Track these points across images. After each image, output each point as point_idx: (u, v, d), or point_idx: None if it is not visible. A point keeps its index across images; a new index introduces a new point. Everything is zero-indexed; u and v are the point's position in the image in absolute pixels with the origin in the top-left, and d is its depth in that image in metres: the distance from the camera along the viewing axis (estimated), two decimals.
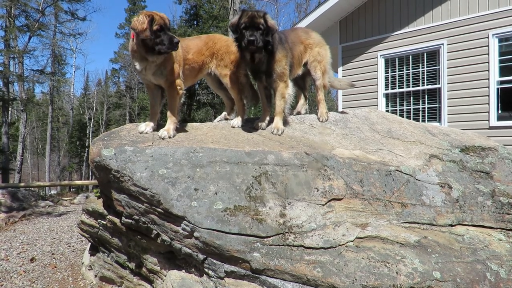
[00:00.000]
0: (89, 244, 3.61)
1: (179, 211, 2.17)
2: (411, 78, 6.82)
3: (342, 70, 7.68)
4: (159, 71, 2.75)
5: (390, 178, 2.61)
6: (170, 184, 2.29)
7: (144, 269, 2.76)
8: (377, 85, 7.19)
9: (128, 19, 32.14)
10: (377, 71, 7.18)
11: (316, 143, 2.91)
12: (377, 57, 7.18)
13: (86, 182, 14.59)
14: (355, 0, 7.25)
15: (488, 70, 5.89)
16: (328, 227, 2.19)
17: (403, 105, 6.97)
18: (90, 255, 3.48)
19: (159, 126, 2.94)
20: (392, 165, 2.72)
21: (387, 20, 7.05)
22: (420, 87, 6.70)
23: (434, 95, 6.57)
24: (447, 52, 6.32)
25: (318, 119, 3.38)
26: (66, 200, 9.46)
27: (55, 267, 3.83)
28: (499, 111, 5.91)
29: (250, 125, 3.16)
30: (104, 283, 3.18)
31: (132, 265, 2.89)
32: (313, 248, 2.05)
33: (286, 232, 2.12)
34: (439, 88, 6.44)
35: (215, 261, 2.12)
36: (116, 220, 2.73)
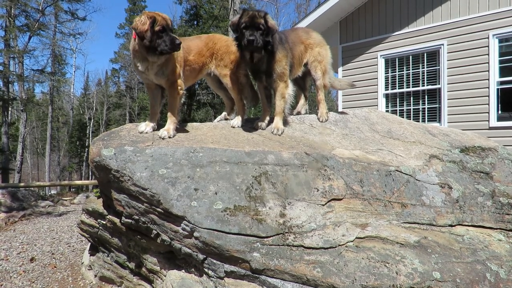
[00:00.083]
0: (89, 244, 3.61)
1: (179, 211, 2.17)
2: (411, 78, 6.82)
3: (342, 70, 7.68)
4: (161, 71, 2.75)
5: (390, 178, 2.61)
6: (170, 184, 2.29)
7: (144, 269, 2.76)
8: (377, 85, 7.19)
9: (128, 19, 32.16)
10: (377, 71, 7.18)
11: (316, 143, 2.91)
12: (377, 57, 7.18)
13: (86, 182, 14.60)
14: (355, 0, 7.25)
15: (488, 71, 5.89)
16: (328, 227, 2.19)
17: (403, 105, 6.97)
18: (90, 255, 3.48)
19: (159, 126, 2.94)
20: (392, 165, 2.72)
21: (387, 20, 7.05)
22: (420, 88, 6.70)
23: (434, 95, 6.57)
24: (447, 53, 6.32)
25: (318, 119, 3.38)
26: (66, 200, 9.46)
27: (55, 267, 3.83)
28: (499, 112, 5.91)
29: (250, 125, 3.16)
30: (104, 283, 3.18)
31: (132, 265, 2.89)
32: (313, 248, 2.05)
33: (286, 232, 2.12)
34: (439, 89, 6.44)
35: (215, 261, 2.12)
36: (116, 220, 2.73)
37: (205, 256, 2.16)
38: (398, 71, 6.99)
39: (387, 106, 7.18)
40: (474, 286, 1.96)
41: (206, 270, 2.17)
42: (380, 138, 3.19)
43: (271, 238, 2.09)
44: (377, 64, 7.18)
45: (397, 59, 6.99)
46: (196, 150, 2.53)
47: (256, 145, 2.71)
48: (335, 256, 2.02)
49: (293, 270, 1.96)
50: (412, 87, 6.79)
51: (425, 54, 6.63)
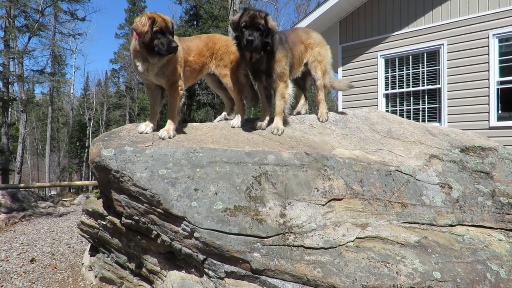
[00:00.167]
0: (89, 244, 3.61)
1: (179, 211, 2.17)
2: (411, 78, 6.82)
3: (342, 70, 7.68)
4: (161, 71, 2.75)
5: (390, 178, 2.61)
6: (170, 184, 2.28)
7: (144, 269, 2.75)
8: (377, 85, 7.19)
9: (128, 20, 32.16)
10: (377, 71, 7.18)
11: (316, 143, 2.90)
12: (377, 57, 7.18)
13: (86, 182, 14.58)
14: (355, 0, 7.25)
15: (488, 71, 5.89)
16: (328, 227, 2.18)
17: (403, 105, 6.96)
18: (90, 256, 3.48)
19: (159, 126, 2.94)
20: (392, 165, 2.72)
21: (387, 20, 7.05)
22: (420, 87, 6.70)
23: (434, 95, 6.57)
24: (447, 52, 6.32)
25: (318, 119, 3.38)
26: (66, 200, 9.46)
27: (55, 267, 3.83)
28: (499, 111, 5.90)
29: (250, 125, 3.16)
30: (104, 283, 3.17)
31: (132, 265, 2.89)
32: (313, 248, 2.05)
33: (286, 232, 2.12)
34: (439, 88, 6.44)
35: (215, 261, 2.12)
36: (116, 221, 2.73)
37: (205, 257, 2.16)
38: (398, 71, 6.99)
39: (387, 106, 7.18)
40: (474, 286, 1.96)
41: (206, 270, 2.17)
42: (380, 138, 3.19)
43: (271, 238, 2.08)
44: (377, 64, 7.18)
45: (397, 59, 6.99)
46: (196, 151, 2.53)
47: (256, 145, 2.70)
48: (335, 256, 2.02)
49: (293, 270, 1.96)
50: (412, 87, 6.79)
51: (425, 54, 6.63)
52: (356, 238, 2.14)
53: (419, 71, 6.72)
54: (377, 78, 7.18)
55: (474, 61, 6.05)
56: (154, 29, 2.50)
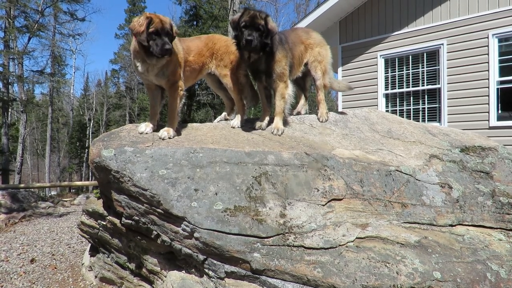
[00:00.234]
0: (89, 245, 3.61)
1: (179, 211, 2.17)
2: (411, 78, 6.82)
3: (342, 71, 7.68)
4: (161, 72, 2.75)
5: (390, 178, 2.61)
6: (170, 184, 2.28)
7: (144, 269, 2.75)
8: (377, 85, 7.19)
9: (128, 20, 32.15)
10: (377, 71, 7.19)
11: (316, 143, 2.90)
12: (377, 57, 7.18)
13: (86, 183, 14.58)
14: (355, 0, 7.25)
15: (488, 70, 5.89)
16: (328, 227, 2.18)
17: (403, 105, 6.97)
18: (90, 256, 3.48)
19: (159, 126, 2.94)
20: (392, 165, 2.72)
21: (387, 20, 7.05)
22: (420, 87, 6.70)
23: (434, 95, 6.57)
24: (447, 52, 6.32)
25: (318, 119, 3.38)
26: (66, 201, 9.46)
27: (55, 268, 3.83)
28: (499, 111, 5.91)
29: (250, 125, 3.16)
30: (104, 284, 3.17)
31: (132, 265, 2.89)
32: (314, 249, 2.05)
33: (286, 233, 2.12)
34: (439, 88, 6.45)
35: (215, 261, 2.12)
36: (116, 221, 2.73)
37: (205, 257, 2.16)
38: (398, 71, 6.99)
39: (387, 106, 7.18)
40: (474, 286, 1.96)
41: (206, 270, 2.17)
42: (380, 138, 3.19)
43: (272, 238, 2.08)
44: (377, 64, 7.18)
45: (396, 59, 6.99)
46: (196, 151, 2.53)
47: (256, 146, 2.70)
48: (335, 256, 2.02)
49: (293, 271, 1.96)
50: (412, 87, 6.79)
51: (425, 54, 6.63)
52: (356, 238, 2.14)
53: (419, 71, 6.72)
54: (377, 78, 7.19)
55: (473, 61, 6.05)
56: (150, 30, 2.49)
